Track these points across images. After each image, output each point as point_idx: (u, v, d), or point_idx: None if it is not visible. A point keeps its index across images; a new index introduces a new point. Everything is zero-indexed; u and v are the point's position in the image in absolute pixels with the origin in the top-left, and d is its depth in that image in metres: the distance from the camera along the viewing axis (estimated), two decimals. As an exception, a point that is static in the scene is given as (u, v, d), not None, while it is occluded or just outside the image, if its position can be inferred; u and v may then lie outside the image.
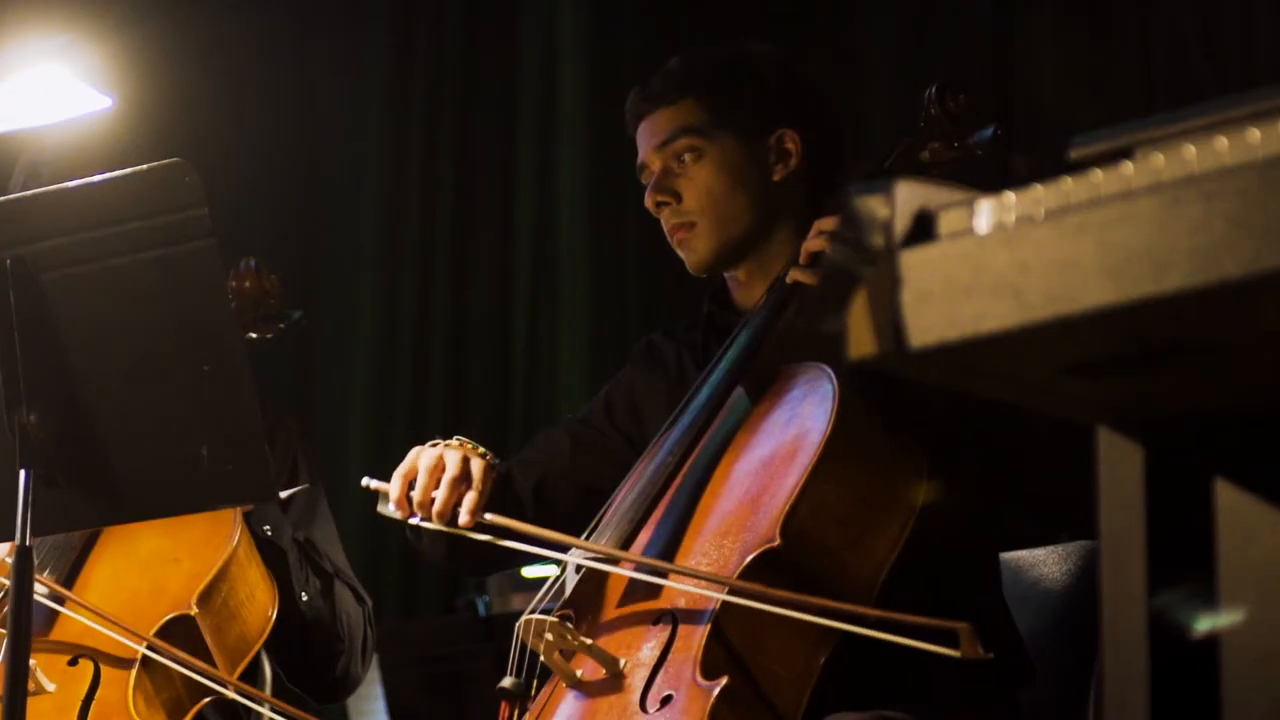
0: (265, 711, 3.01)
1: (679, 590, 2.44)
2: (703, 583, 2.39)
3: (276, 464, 3.18)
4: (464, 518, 2.63)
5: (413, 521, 2.67)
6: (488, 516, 2.64)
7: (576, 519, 2.74)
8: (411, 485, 2.66)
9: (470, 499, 2.64)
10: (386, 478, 2.69)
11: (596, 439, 2.92)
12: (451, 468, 2.65)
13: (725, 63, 2.86)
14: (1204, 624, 1.27)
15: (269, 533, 3.12)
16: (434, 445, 2.71)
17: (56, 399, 2.39)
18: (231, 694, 2.89)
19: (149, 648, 2.84)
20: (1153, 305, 1.13)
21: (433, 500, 2.64)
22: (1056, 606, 2.88)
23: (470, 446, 2.73)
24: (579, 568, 2.58)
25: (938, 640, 2.25)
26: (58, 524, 2.59)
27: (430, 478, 2.65)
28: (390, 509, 2.67)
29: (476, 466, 2.67)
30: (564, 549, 2.57)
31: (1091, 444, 1.32)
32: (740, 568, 2.37)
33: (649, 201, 2.81)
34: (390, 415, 5.96)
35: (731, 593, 2.34)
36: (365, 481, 2.68)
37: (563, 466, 2.89)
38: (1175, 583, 1.28)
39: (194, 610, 2.90)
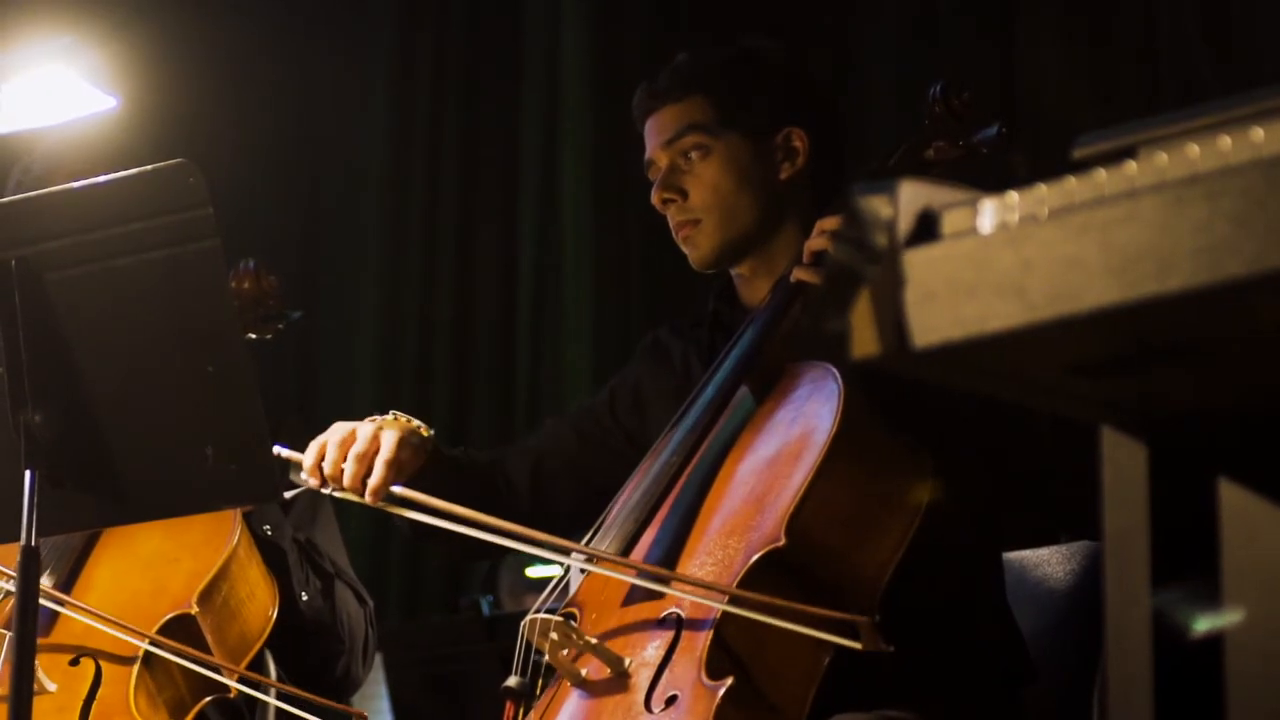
0: (271, 702, 3.02)
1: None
2: (703, 590, 2.40)
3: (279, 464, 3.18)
4: (368, 495, 2.64)
5: (325, 491, 2.69)
6: (396, 490, 2.64)
7: (574, 509, 2.75)
8: (324, 457, 2.67)
9: (377, 474, 2.64)
10: None
11: (599, 433, 2.92)
12: (361, 441, 2.66)
13: (733, 60, 2.86)
14: (1207, 623, 1.27)
15: (269, 533, 3.12)
16: (353, 422, 2.72)
17: (60, 399, 2.39)
18: (235, 683, 2.89)
19: (151, 644, 2.84)
20: (1156, 305, 1.13)
21: (342, 472, 2.66)
22: (1059, 606, 2.87)
23: (401, 420, 2.73)
24: (583, 568, 2.58)
25: (839, 632, 2.28)
26: (62, 524, 2.59)
27: (340, 449, 2.67)
28: (303, 477, 2.69)
29: (389, 439, 2.67)
30: (477, 525, 2.57)
31: (1095, 443, 1.32)
32: (745, 568, 2.37)
33: (655, 198, 2.81)
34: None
35: (733, 602, 2.35)
36: (276, 450, 2.65)
37: (563, 456, 2.90)
38: (1179, 582, 1.28)
39: (194, 609, 2.90)
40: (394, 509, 2.65)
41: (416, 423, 2.75)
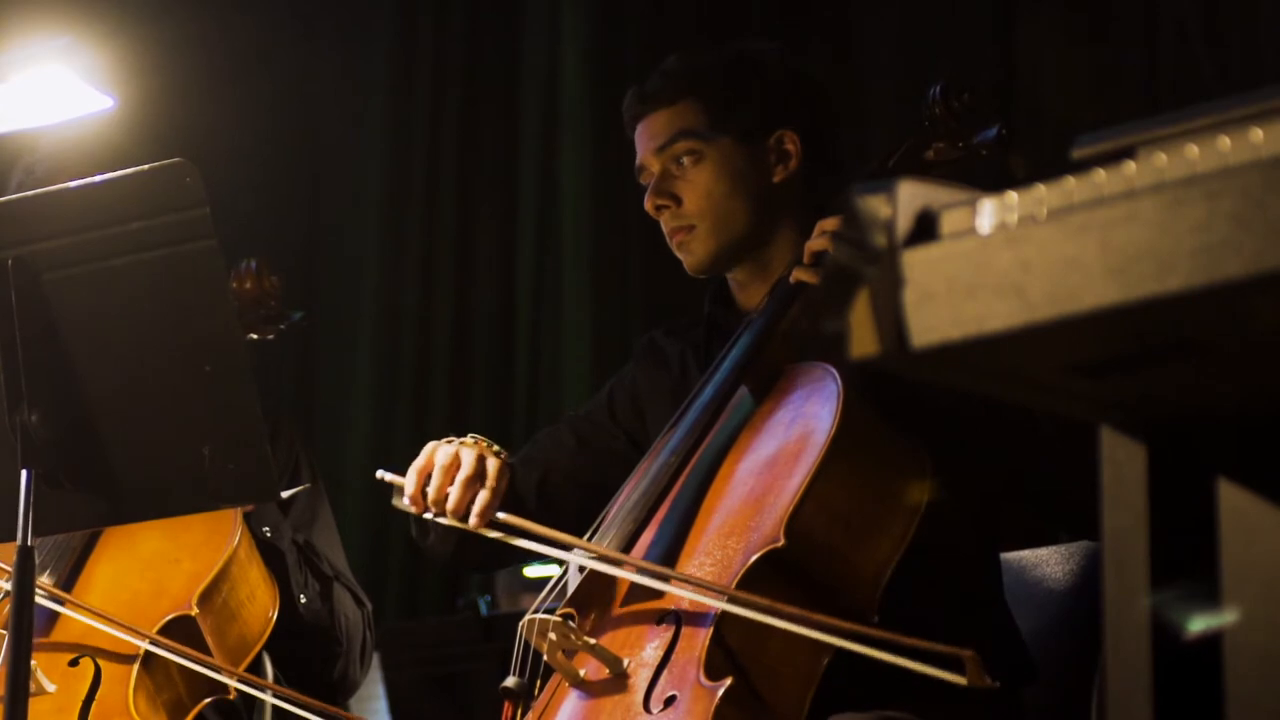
0: (269, 700, 3.02)
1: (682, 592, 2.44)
2: (705, 590, 2.39)
3: (278, 465, 3.18)
4: (474, 519, 2.63)
5: (426, 517, 2.68)
6: (500, 516, 2.64)
7: (580, 516, 2.74)
8: (427, 481, 2.66)
9: (483, 498, 2.64)
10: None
11: (599, 436, 2.92)
12: (466, 466, 2.65)
13: (724, 63, 2.85)
14: (1207, 623, 1.27)
15: (268, 534, 3.12)
16: (449, 442, 2.71)
17: (58, 399, 2.39)
18: (234, 682, 2.89)
19: (151, 644, 2.84)
20: (1155, 305, 1.13)
21: (446, 497, 2.64)
22: (1059, 606, 2.87)
23: (485, 445, 2.73)
24: (582, 567, 2.58)
25: (943, 665, 2.25)
26: (59, 524, 2.59)
27: (445, 475, 2.65)
28: (405, 503, 2.68)
29: (492, 465, 2.68)
30: (569, 549, 2.57)
31: (1094, 443, 1.32)
32: (744, 568, 2.37)
33: (648, 205, 2.80)
34: (392, 416, 5.96)
35: (733, 603, 2.34)
36: (380, 474, 2.68)
37: (565, 464, 2.89)
38: (1178, 582, 1.28)
39: (194, 610, 2.90)
40: (493, 533, 2.64)
41: (496, 446, 2.75)
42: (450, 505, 2.64)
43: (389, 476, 2.69)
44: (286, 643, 3.13)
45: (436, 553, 2.84)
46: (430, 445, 2.71)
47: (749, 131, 2.79)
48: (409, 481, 2.67)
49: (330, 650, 3.20)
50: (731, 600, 2.34)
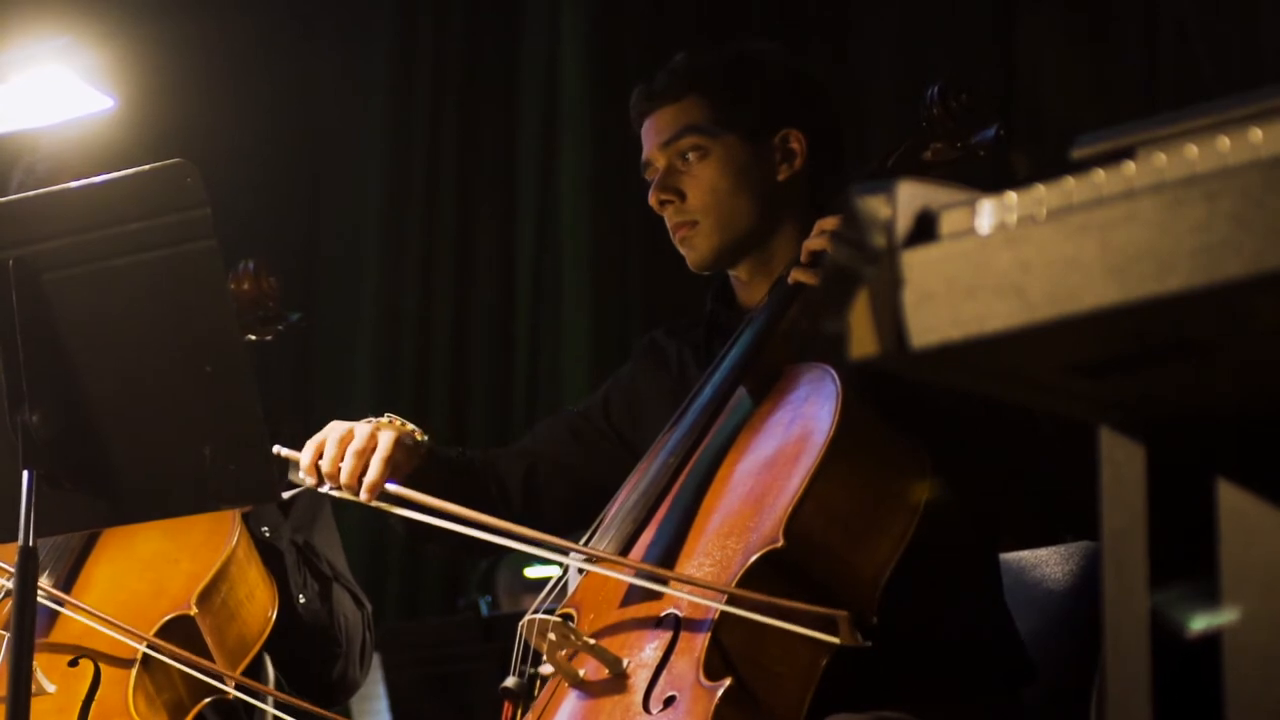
0: (269, 710, 3.01)
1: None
2: (702, 590, 2.40)
3: (278, 465, 3.18)
4: (364, 492, 2.66)
5: (322, 490, 2.70)
6: (391, 488, 2.65)
7: (566, 510, 2.75)
8: (322, 455, 2.69)
9: (373, 471, 2.65)
10: None
11: (593, 434, 2.92)
12: (358, 439, 2.68)
13: (731, 61, 2.85)
14: (1206, 623, 1.27)
15: (267, 535, 3.12)
16: (349, 422, 2.73)
17: (59, 400, 2.39)
18: (231, 688, 2.89)
19: (150, 646, 2.84)
20: (1155, 305, 1.13)
21: (339, 470, 2.67)
22: (1058, 606, 2.87)
23: (396, 423, 2.75)
24: (581, 569, 2.58)
25: (817, 626, 2.28)
26: (60, 525, 2.59)
27: (338, 447, 2.68)
28: (300, 476, 2.70)
29: (386, 438, 2.69)
30: (482, 528, 2.58)
31: (1094, 444, 1.32)
32: (743, 569, 2.37)
33: (652, 200, 2.81)
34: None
35: (731, 602, 2.35)
36: (275, 449, 2.68)
37: (556, 458, 2.90)
38: (1177, 582, 1.28)
39: (193, 610, 2.90)
40: (389, 507, 2.66)
41: (411, 426, 2.77)
42: (343, 478, 2.67)
43: (285, 451, 2.72)
44: (286, 643, 3.12)
45: (399, 534, 2.87)
46: (331, 423, 2.74)
47: (755, 129, 2.79)
48: (304, 454, 2.70)
49: (329, 650, 3.20)
50: (731, 600, 2.34)
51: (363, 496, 2.66)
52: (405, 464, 2.71)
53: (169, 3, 5.67)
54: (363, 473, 2.66)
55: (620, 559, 2.52)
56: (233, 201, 4.80)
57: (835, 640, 2.29)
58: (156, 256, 2.37)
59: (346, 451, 2.67)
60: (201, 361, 2.37)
